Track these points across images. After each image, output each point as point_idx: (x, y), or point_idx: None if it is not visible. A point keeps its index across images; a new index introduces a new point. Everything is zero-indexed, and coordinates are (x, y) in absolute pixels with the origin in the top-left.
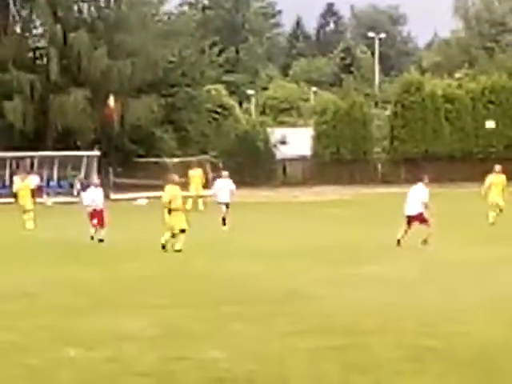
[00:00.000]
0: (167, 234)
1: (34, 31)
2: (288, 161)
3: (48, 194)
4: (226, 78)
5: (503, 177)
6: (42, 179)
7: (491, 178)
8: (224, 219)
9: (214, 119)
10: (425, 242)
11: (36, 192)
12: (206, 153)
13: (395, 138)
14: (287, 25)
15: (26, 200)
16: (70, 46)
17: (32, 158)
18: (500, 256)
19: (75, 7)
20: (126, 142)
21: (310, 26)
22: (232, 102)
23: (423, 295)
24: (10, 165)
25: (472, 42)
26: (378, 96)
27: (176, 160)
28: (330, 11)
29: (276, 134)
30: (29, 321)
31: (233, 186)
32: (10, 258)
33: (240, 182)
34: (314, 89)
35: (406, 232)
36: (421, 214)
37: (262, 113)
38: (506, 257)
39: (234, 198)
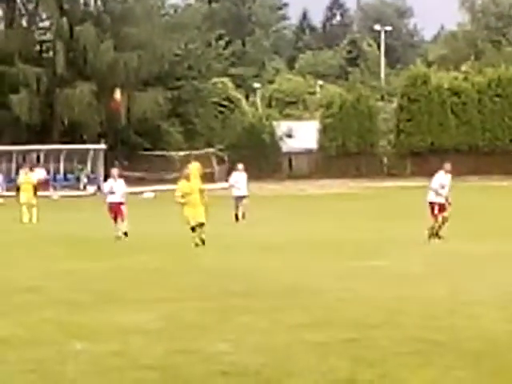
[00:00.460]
0: (191, 234)
1: (40, 24)
2: (294, 154)
3: (54, 188)
4: (232, 70)
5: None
6: (48, 173)
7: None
8: (237, 215)
9: (220, 112)
10: (433, 235)
11: (40, 186)
12: (212, 146)
13: (401, 131)
14: (293, 17)
15: (28, 194)
16: (76, 39)
17: (38, 151)
18: (507, 249)
19: (81, 0)
20: (132, 135)
21: (317, 18)
22: (238, 95)
23: (430, 288)
24: (17, 158)
25: (478, 35)
26: (384, 89)
27: (182, 153)
28: (336, 4)
29: (282, 127)
30: (35, 314)
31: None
32: (15, 251)
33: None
34: (320, 82)
35: (446, 219)
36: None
37: (268, 106)
38: None
39: (248, 191)
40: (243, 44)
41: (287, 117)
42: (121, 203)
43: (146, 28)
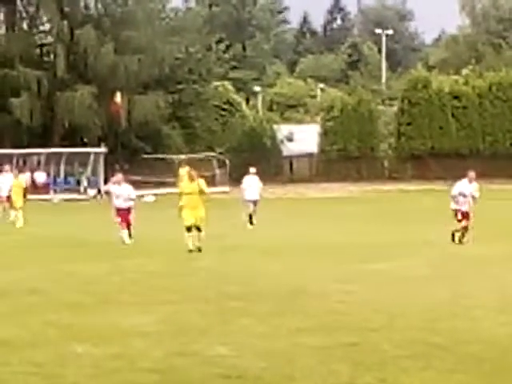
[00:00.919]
0: (186, 234)
1: (41, 28)
2: (295, 157)
3: (55, 191)
4: (232, 74)
5: None
6: (48, 176)
7: None
8: (251, 217)
9: (221, 116)
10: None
11: (28, 190)
12: (212, 149)
13: (402, 135)
14: (294, 21)
15: (17, 197)
16: (77, 43)
17: (39, 154)
18: (509, 253)
19: (82, 3)
20: (133, 138)
21: (317, 22)
22: (239, 98)
23: (431, 292)
24: (17, 161)
25: (479, 39)
26: (385, 92)
27: (182, 157)
28: (336, 7)
29: (283, 130)
30: (36, 317)
31: (260, 183)
32: (16, 254)
33: None
34: (321, 85)
35: (466, 229)
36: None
37: (269, 109)
38: None
39: (260, 196)
40: (244, 48)
41: (288, 120)
42: (128, 209)
43: (147, 31)
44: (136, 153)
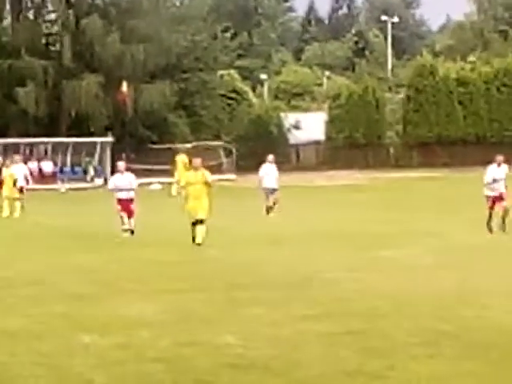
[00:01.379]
0: (192, 229)
1: (47, 17)
2: (301, 145)
3: (62, 181)
4: (238, 62)
5: None
6: (55, 165)
7: None
8: (268, 207)
9: (228, 104)
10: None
11: (48, 179)
12: (219, 138)
13: (408, 122)
14: (300, 9)
15: (9, 188)
16: (83, 32)
17: (46, 144)
18: None
19: None
20: (140, 127)
21: (323, 10)
22: (245, 87)
23: (439, 279)
24: (24, 151)
25: (485, 25)
26: (391, 80)
27: (189, 145)
28: None
29: (289, 118)
30: (42, 308)
31: (277, 173)
32: (22, 245)
33: (253, 166)
34: (327, 73)
35: (491, 215)
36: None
37: (276, 98)
38: None
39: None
40: (250, 36)
41: (294, 108)
42: (129, 200)
43: (153, 20)
44: (142, 142)
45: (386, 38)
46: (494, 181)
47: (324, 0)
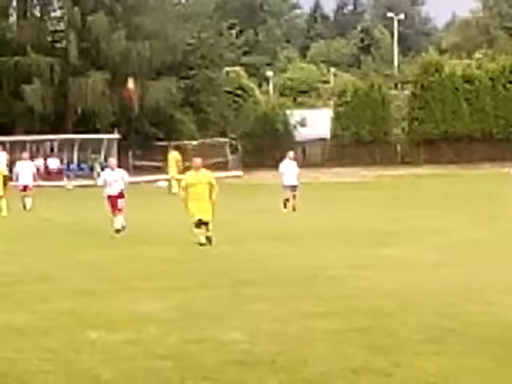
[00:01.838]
0: (195, 230)
1: (53, 14)
2: (307, 142)
3: (68, 177)
4: (244, 59)
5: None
6: (62, 162)
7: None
8: (286, 201)
9: (234, 101)
10: None
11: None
12: (225, 135)
13: (414, 119)
14: (306, 6)
15: None
16: (89, 29)
17: (52, 141)
18: None
19: None
20: (146, 124)
21: (329, 7)
22: (251, 84)
23: (444, 276)
24: (31, 148)
25: (491, 22)
26: (397, 77)
27: (195, 142)
28: None
29: (295, 115)
30: (49, 304)
31: (297, 169)
32: (29, 241)
33: (259, 163)
34: (333, 70)
35: None
36: None
37: (281, 95)
38: None
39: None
40: (255, 33)
41: (300, 105)
42: (118, 196)
43: (159, 17)
44: (148, 138)
45: (391, 35)
46: None
47: None
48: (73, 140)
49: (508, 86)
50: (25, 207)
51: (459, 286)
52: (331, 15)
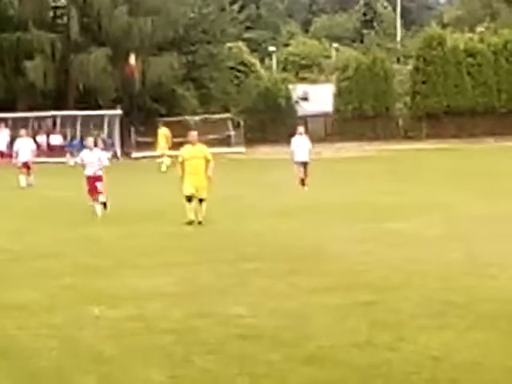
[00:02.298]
0: (186, 204)
1: None
2: (310, 117)
3: (71, 154)
4: (246, 35)
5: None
6: (64, 139)
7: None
8: (303, 180)
9: (236, 77)
10: None
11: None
12: (227, 110)
13: (417, 93)
14: None
15: None
16: (90, 5)
17: (54, 117)
18: None
19: None
20: (148, 100)
21: None
22: (253, 59)
23: (447, 250)
24: (33, 125)
25: None
26: (400, 51)
27: (197, 118)
28: None
29: (298, 90)
30: (52, 281)
31: (310, 144)
32: (30, 218)
33: (262, 139)
34: (336, 45)
35: None
36: None
37: (284, 70)
38: None
39: (311, 156)
40: (258, 8)
41: (303, 80)
42: (97, 178)
43: None
44: (151, 114)
45: (394, 9)
46: None
47: None
48: (75, 116)
49: (511, 59)
50: (20, 184)
51: (463, 261)
52: None
